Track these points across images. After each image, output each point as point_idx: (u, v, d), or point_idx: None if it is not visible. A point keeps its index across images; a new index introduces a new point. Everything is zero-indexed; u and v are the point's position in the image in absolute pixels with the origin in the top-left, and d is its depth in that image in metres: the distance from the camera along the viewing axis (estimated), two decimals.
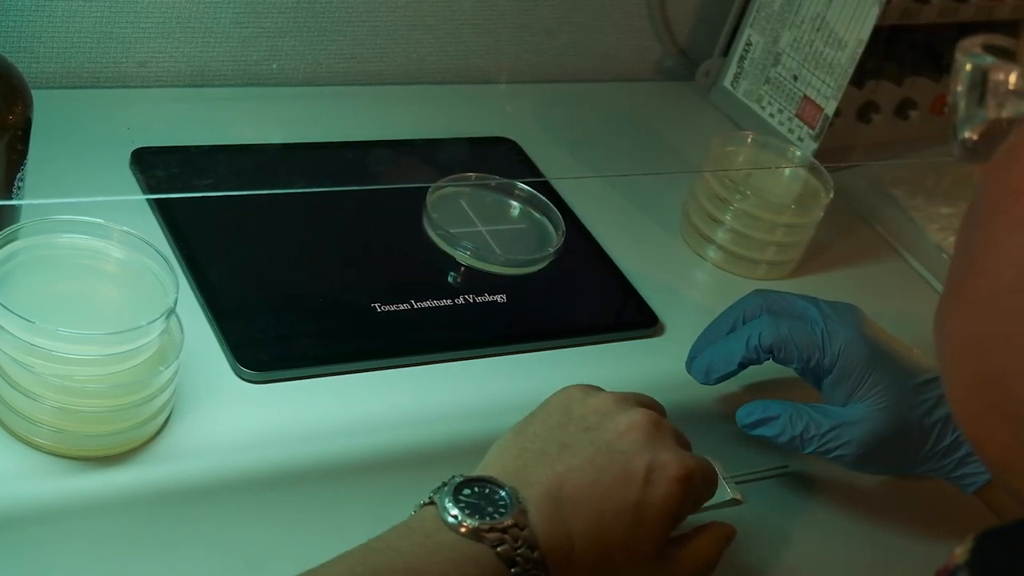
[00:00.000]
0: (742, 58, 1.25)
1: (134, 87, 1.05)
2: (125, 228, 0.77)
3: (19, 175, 0.80)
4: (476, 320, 0.93)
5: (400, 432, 0.83)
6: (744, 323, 0.86)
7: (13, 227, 0.75)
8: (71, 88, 1.03)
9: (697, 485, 0.71)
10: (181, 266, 0.88)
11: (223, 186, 0.95)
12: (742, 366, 0.85)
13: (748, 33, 1.25)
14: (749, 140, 1.12)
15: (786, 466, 0.89)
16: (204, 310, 0.86)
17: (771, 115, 1.23)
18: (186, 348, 0.76)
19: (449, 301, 0.93)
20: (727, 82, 1.27)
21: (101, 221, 0.77)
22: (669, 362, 0.91)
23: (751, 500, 0.84)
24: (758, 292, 0.88)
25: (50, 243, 0.76)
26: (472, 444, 0.81)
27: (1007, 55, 0.47)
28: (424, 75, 1.19)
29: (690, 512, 0.72)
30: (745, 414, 0.84)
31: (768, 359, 0.85)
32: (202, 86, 1.08)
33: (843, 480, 0.89)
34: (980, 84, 0.46)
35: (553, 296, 0.98)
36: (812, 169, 1.09)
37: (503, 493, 0.66)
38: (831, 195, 1.06)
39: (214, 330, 0.85)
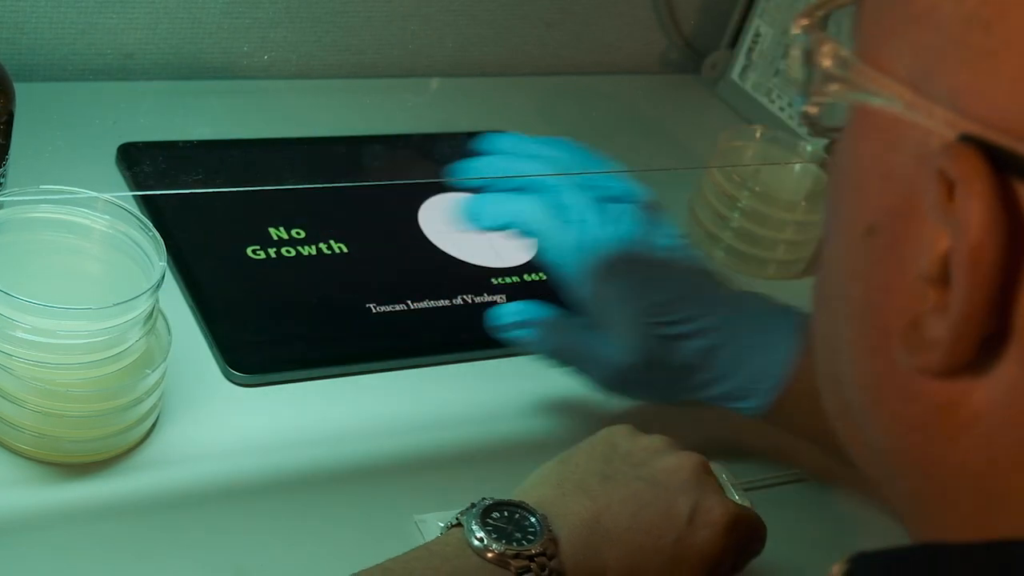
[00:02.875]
0: (750, 50, 1.25)
1: (120, 80, 1.05)
2: (107, 196, 0.75)
3: (1, 170, 0.80)
4: (475, 321, 0.91)
5: (396, 437, 0.82)
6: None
7: None
8: (55, 81, 1.02)
9: (742, 535, 0.69)
10: (169, 265, 0.86)
11: (212, 182, 0.95)
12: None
13: (757, 24, 1.24)
14: (758, 135, 1.11)
15: (796, 473, 0.87)
16: (192, 311, 0.85)
17: (781, 109, 1.22)
18: (173, 350, 0.75)
19: (447, 302, 0.92)
20: (735, 75, 1.27)
21: (84, 191, 0.75)
22: None
23: (760, 508, 0.81)
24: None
25: (30, 220, 0.74)
26: (471, 449, 0.82)
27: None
28: (421, 67, 1.18)
29: (732, 565, 0.70)
30: (500, 315, 0.81)
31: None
32: (191, 79, 1.08)
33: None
34: (807, 64, 0.44)
35: (554, 296, 0.96)
36: (823, 164, 1.08)
37: (533, 520, 0.65)
38: None
39: (203, 331, 0.84)
